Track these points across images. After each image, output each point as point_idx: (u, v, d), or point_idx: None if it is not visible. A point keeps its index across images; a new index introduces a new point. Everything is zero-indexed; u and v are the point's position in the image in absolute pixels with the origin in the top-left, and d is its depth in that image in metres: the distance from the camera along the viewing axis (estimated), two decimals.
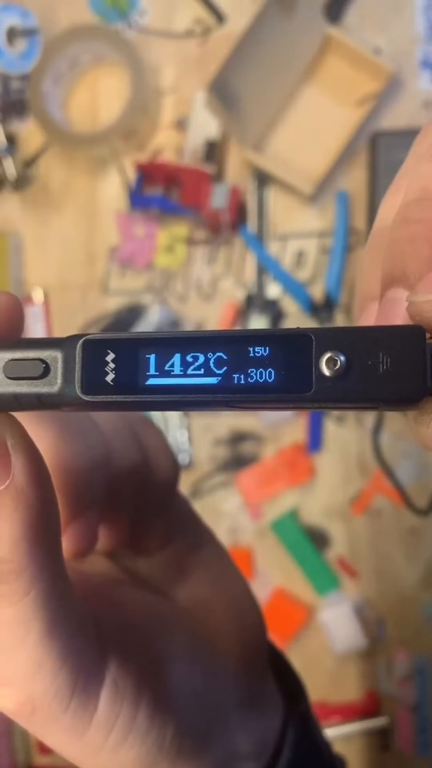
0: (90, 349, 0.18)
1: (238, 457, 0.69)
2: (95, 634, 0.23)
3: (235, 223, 0.70)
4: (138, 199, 0.70)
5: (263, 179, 0.70)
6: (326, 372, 0.17)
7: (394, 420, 0.67)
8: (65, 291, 0.73)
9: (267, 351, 0.18)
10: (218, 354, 0.18)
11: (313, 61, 0.70)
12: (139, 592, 0.27)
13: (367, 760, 0.66)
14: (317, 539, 0.68)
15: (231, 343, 0.18)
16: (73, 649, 0.21)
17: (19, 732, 0.69)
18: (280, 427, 0.69)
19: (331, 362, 0.17)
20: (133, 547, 0.28)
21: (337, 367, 0.17)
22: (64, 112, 0.74)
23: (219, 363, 0.18)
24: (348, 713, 0.66)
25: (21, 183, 0.73)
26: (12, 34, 0.74)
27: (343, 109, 0.70)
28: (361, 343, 0.17)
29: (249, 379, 0.18)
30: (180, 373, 0.18)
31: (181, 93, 0.72)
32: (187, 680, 0.26)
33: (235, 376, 0.18)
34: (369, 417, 0.68)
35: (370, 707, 0.66)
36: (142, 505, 0.27)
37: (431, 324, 0.17)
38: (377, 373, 0.17)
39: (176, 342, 0.18)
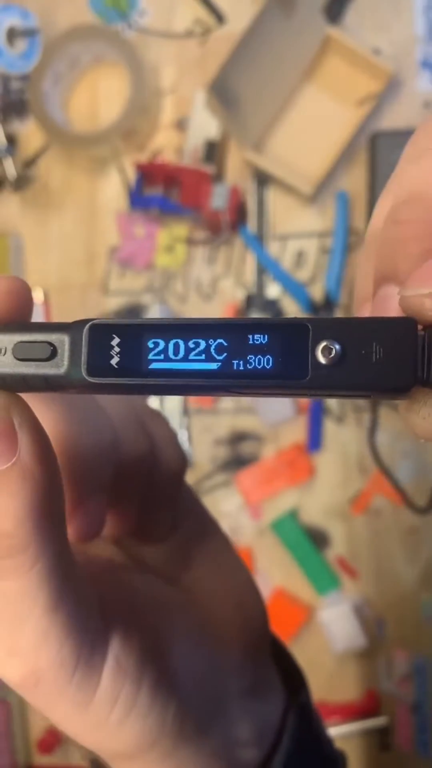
0: (96, 334, 0.19)
1: (238, 457, 0.69)
2: (99, 611, 0.23)
3: (235, 223, 0.70)
4: (138, 199, 0.70)
5: (263, 179, 0.70)
6: (322, 360, 0.18)
7: (393, 420, 0.67)
8: (65, 291, 0.73)
9: (266, 339, 0.18)
10: (219, 340, 0.18)
11: (313, 61, 0.70)
12: (144, 577, 0.27)
13: (366, 760, 0.66)
14: (317, 539, 0.68)
15: (231, 331, 0.18)
16: (77, 622, 0.22)
17: (19, 732, 0.69)
18: (280, 427, 0.69)
19: (326, 351, 0.18)
20: (139, 536, 0.28)
21: (332, 355, 0.18)
22: (64, 112, 0.74)
23: (219, 349, 0.18)
24: (347, 713, 0.66)
25: (21, 183, 0.73)
26: (12, 34, 0.74)
27: (343, 109, 0.70)
28: (355, 333, 0.18)
29: (248, 365, 0.18)
30: (182, 358, 0.19)
31: (181, 93, 0.73)
32: (190, 663, 0.26)
33: (235, 362, 0.18)
34: (368, 417, 0.68)
35: (369, 707, 0.66)
36: (149, 494, 0.27)
37: (421, 316, 0.18)
38: (370, 362, 0.18)
39: (179, 328, 0.19)
